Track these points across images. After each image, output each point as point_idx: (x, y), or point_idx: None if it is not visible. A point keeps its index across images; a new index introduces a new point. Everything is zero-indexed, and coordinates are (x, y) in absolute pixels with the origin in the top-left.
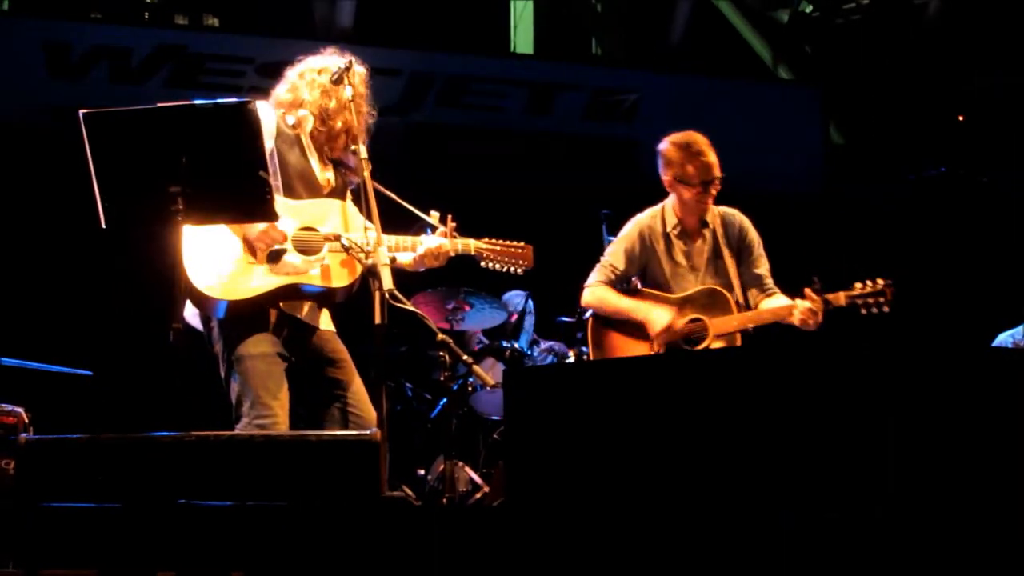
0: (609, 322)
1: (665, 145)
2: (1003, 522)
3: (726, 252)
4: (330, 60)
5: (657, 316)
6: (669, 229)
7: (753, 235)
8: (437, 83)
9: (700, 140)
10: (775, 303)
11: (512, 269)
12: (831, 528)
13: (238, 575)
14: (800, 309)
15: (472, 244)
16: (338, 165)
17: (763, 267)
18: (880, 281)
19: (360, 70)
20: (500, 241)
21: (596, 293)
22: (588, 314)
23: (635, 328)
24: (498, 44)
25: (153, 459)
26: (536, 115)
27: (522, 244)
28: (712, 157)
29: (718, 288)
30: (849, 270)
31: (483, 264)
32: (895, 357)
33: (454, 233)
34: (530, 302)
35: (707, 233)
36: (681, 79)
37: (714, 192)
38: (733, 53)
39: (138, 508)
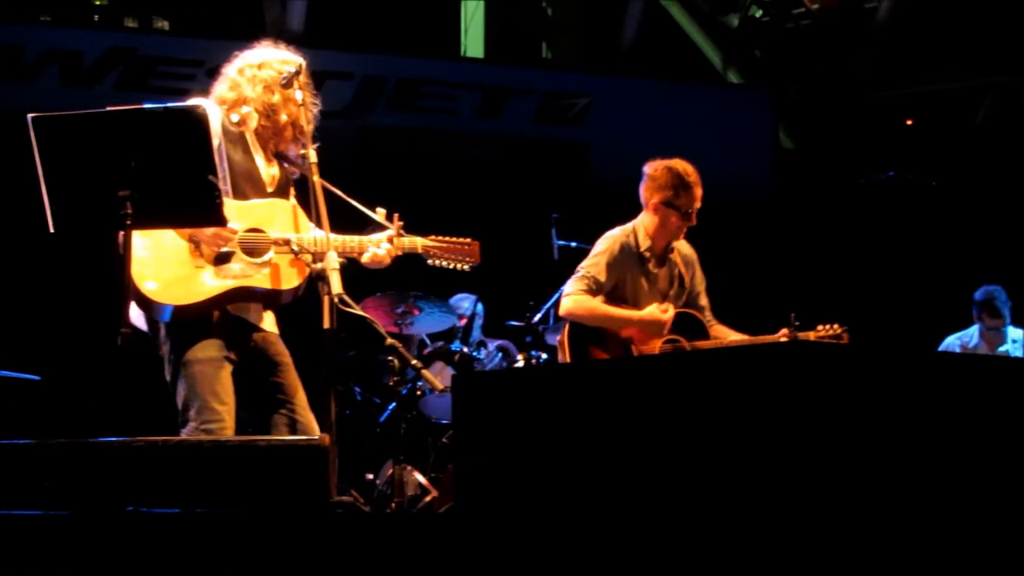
0: (589, 334)
1: (659, 168)
2: (954, 525)
3: (686, 280)
4: (268, 53)
5: (652, 314)
6: (642, 249)
7: (700, 269)
8: (388, 86)
9: (694, 171)
10: (733, 335)
11: (459, 265)
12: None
13: None
14: None
15: (419, 242)
16: (280, 159)
17: (706, 300)
18: (837, 327)
19: (300, 60)
20: (446, 238)
21: (584, 302)
22: (559, 323)
23: (617, 342)
24: (449, 47)
25: (101, 464)
26: (487, 118)
27: (468, 240)
28: (701, 190)
29: (694, 312)
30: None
31: (430, 262)
32: (842, 359)
33: (400, 231)
34: (479, 305)
35: (671, 260)
36: (632, 83)
37: (694, 223)
38: (684, 57)
39: (86, 516)
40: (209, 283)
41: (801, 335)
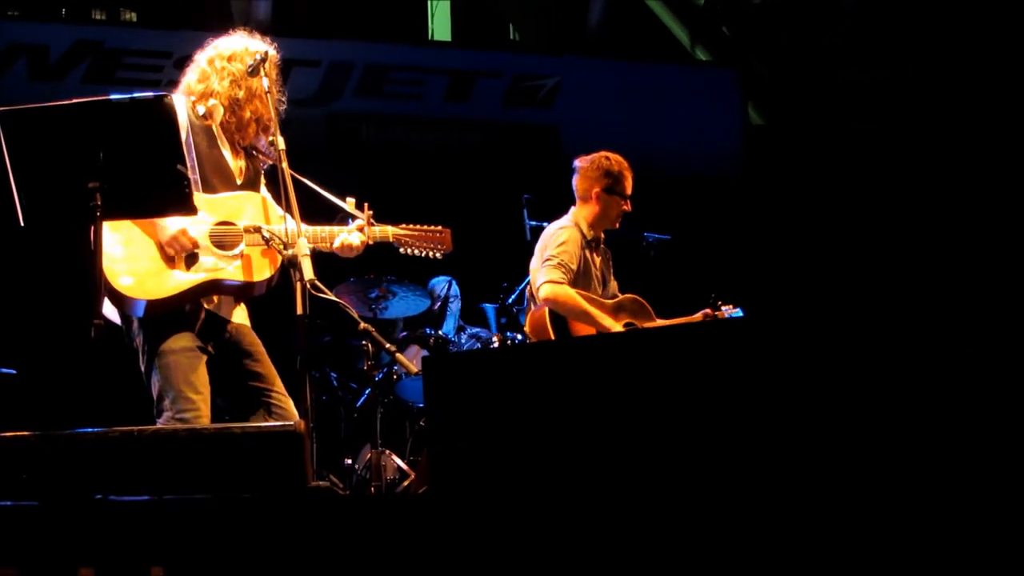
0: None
1: (593, 159)
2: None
3: (612, 268)
4: (238, 44)
5: (611, 326)
6: (589, 239)
7: None
8: (356, 72)
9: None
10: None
11: (431, 254)
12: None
13: (159, 571)
14: None
15: (390, 231)
16: (249, 151)
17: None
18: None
19: (271, 53)
20: (418, 226)
21: (567, 291)
22: (536, 307)
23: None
24: (416, 32)
25: (77, 456)
26: (456, 102)
27: (440, 228)
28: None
29: (638, 297)
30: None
31: (402, 250)
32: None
33: (371, 221)
34: (454, 287)
35: (602, 248)
36: (600, 63)
37: (631, 208)
38: (651, 36)
39: (56, 505)
40: (181, 277)
41: (719, 314)
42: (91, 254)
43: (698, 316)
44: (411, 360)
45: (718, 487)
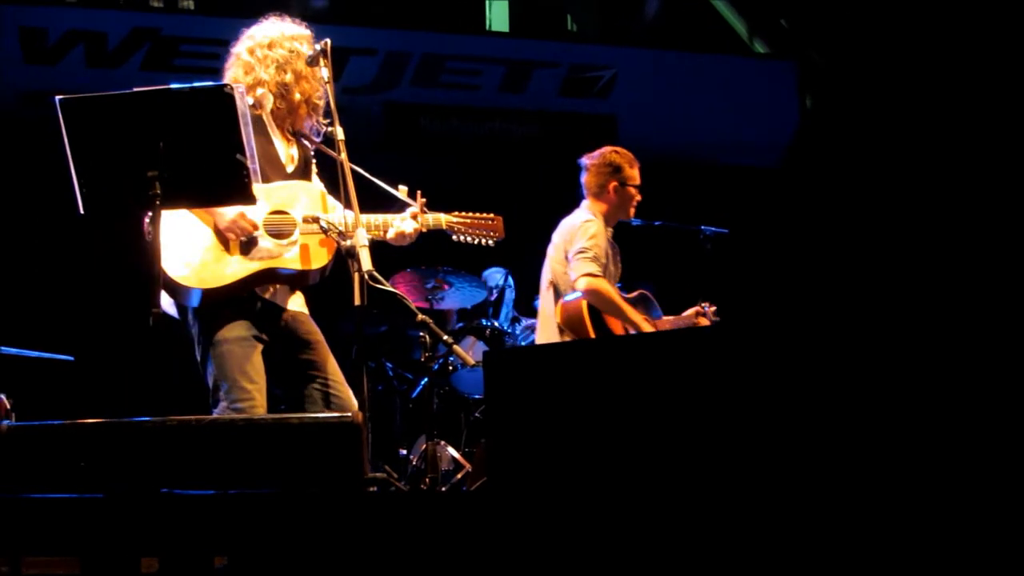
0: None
1: (603, 155)
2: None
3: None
4: (275, 31)
5: (641, 323)
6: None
7: None
8: (413, 62)
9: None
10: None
11: (484, 241)
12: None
13: (221, 561)
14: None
15: (443, 219)
16: (299, 136)
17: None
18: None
19: (306, 32)
20: (470, 214)
21: (606, 285)
22: (572, 298)
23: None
24: (473, 22)
25: (135, 444)
26: (512, 92)
27: (492, 215)
28: None
29: (646, 292)
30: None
31: (455, 238)
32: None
33: (424, 209)
34: (509, 279)
35: (613, 240)
36: (657, 54)
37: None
38: (709, 27)
39: (121, 497)
40: (237, 266)
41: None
42: (149, 243)
43: (691, 313)
44: (467, 351)
45: (784, 488)
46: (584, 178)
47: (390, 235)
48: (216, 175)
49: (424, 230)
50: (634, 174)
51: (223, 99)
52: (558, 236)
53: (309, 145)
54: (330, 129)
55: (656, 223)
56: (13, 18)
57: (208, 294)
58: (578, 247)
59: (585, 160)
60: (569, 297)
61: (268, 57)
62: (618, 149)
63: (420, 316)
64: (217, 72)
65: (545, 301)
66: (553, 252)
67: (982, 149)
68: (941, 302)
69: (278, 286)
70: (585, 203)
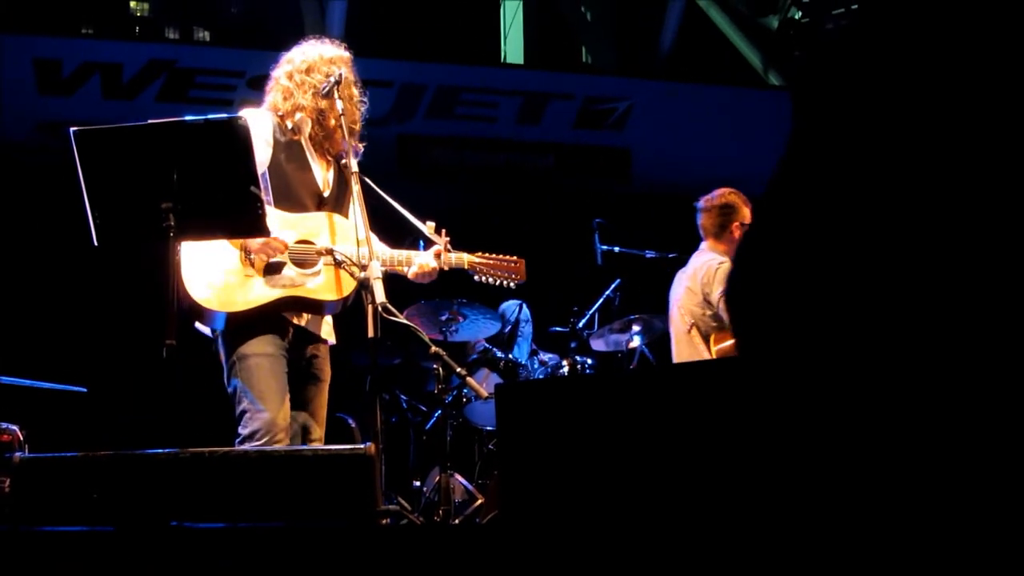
0: None
1: (729, 196)
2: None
3: None
4: (313, 54)
5: None
6: None
7: None
8: (428, 94)
9: None
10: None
11: (505, 283)
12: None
13: None
14: None
15: (465, 258)
16: (338, 159)
17: None
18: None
19: (344, 55)
20: (493, 255)
21: None
22: (724, 342)
23: None
24: (489, 54)
25: (148, 476)
26: (527, 124)
27: (515, 258)
28: None
29: None
30: None
31: (476, 278)
32: None
33: (448, 247)
34: (525, 311)
35: None
36: (672, 86)
37: None
38: (724, 60)
39: (132, 531)
40: (259, 291)
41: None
42: (164, 274)
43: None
44: (480, 383)
45: (814, 534)
46: (702, 220)
47: (411, 271)
48: (230, 207)
49: (446, 268)
50: (747, 213)
51: (236, 131)
52: (688, 280)
53: (348, 168)
54: (344, 161)
55: (670, 255)
56: (28, 49)
57: (232, 317)
58: (722, 290)
59: (702, 202)
60: (720, 342)
61: (306, 83)
62: (734, 190)
63: (434, 348)
64: (233, 103)
65: (684, 345)
66: (687, 296)
67: (983, 168)
68: (951, 323)
69: (309, 316)
70: (705, 244)
